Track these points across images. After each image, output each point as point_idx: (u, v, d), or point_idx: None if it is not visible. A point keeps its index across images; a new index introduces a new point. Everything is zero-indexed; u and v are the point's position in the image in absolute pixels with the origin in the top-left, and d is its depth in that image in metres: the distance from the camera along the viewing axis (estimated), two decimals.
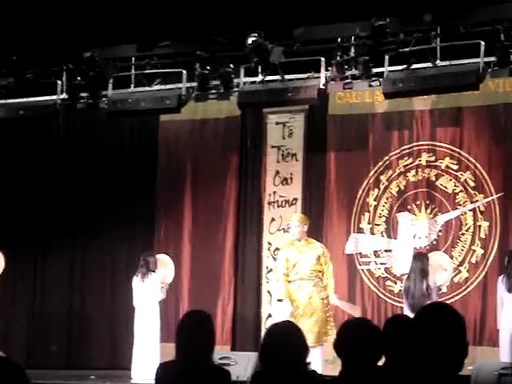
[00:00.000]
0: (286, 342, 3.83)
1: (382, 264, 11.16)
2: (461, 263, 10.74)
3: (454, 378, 2.94)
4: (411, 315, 9.10)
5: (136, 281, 10.66)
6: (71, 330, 12.47)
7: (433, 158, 11.02)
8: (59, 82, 11.55)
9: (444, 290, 10.47)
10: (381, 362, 4.06)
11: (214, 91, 11.22)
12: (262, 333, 11.49)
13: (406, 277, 10.00)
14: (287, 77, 10.80)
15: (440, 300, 9.50)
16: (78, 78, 11.37)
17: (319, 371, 7.96)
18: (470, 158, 10.83)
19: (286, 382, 3.78)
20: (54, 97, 11.61)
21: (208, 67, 11.00)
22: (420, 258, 9.90)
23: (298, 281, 9.71)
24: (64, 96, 11.56)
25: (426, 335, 2.96)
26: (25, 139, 12.78)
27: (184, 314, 4.48)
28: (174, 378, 4.19)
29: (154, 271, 10.64)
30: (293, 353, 3.81)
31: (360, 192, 11.32)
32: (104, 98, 11.48)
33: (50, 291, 12.63)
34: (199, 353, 4.16)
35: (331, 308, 9.92)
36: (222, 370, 4.30)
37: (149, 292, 10.57)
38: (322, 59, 10.55)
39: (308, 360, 3.91)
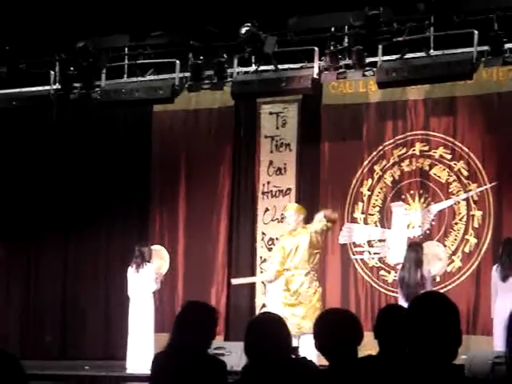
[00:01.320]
0: (267, 332, 3.83)
1: (375, 254, 11.18)
2: (454, 252, 10.76)
3: (449, 366, 2.95)
4: (405, 305, 9.10)
5: (131, 271, 10.65)
6: (65, 320, 12.47)
7: (426, 148, 11.03)
8: (52, 72, 11.51)
9: (437, 279, 10.49)
10: (374, 352, 4.06)
11: (207, 81, 11.20)
12: None
13: (400, 266, 10.01)
14: (281, 67, 10.78)
15: (434, 289, 9.51)
16: (71, 68, 11.34)
17: (314, 360, 7.95)
18: (464, 148, 10.85)
19: (275, 371, 3.78)
20: (47, 87, 11.58)
21: (201, 57, 10.98)
22: (415, 247, 9.91)
23: (293, 270, 9.69)
24: (57, 86, 11.53)
25: (420, 324, 2.96)
26: (18, 130, 12.75)
27: (188, 304, 4.41)
28: (170, 368, 4.19)
29: (148, 262, 10.64)
30: (276, 342, 3.81)
31: (354, 182, 11.33)
32: (97, 89, 11.46)
33: (43, 282, 12.62)
34: (197, 344, 4.15)
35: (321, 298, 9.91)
36: (217, 360, 4.30)
37: (143, 282, 10.57)
38: (316, 49, 10.54)
39: (295, 345, 3.91)
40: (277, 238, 11.17)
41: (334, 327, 3.81)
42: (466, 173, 10.82)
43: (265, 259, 11.49)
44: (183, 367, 4.12)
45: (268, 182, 11.76)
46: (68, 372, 10.42)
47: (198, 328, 4.15)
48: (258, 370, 3.80)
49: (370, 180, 11.28)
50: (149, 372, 9.99)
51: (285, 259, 9.69)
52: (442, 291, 9.57)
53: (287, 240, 9.82)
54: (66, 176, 12.58)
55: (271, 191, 11.74)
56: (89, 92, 11.47)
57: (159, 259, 10.91)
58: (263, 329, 3.85)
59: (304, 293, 9.61)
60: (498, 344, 9.11)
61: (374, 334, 4.08)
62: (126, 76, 11.51)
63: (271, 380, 3.76)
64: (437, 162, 10.96)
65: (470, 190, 10.77)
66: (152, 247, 10.95)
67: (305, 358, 4.06)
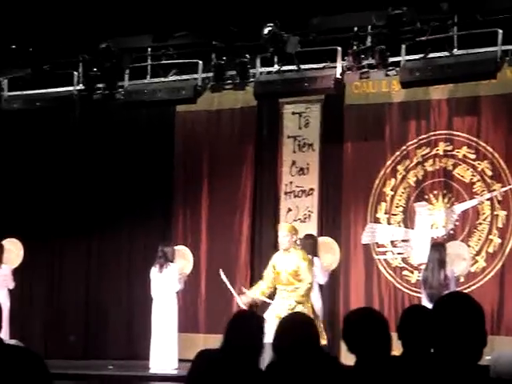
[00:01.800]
0: (299, 330, 3.84)
1: (398, 254, 11.15)
2: (478, 253, 10.71)
3: (473, 367, 2.93)
4: (429, 305, 9.07)
5: (154, 271, 10.67)
6: (89, 320, 12.52)
7: (450, 148, 10.98)
8: (75, 73, 11.57)
9: (461, 279, 10.44)
10: (398, 352, 4.05)
11: (230, 81, 11.20)
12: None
13: (423, 267, 9.98)
14: (303, 67, 10.77)
15: (458, 290, 9.47)
16: (95, 69, 11.38)
17: None
18: (488, 147, 10.79)
19: (301, 369, 3.79)
20: (70, 88, 11.64)
21: (224, 57, 10.99)
22: (438, 247, 9.87)
23: (282, 292, 9.48)
24: (80, 87, 11.59)
25: (444, 325, 2.95)
26: (41, 130, 12.82)
27: (238, 313, 4.51)
28: (216, 369, 4.21)
29: (171, 261, 10.65)
30: (304, 340, 3.82)
31: (377, 182, 11.30)
32: (120, 89, 11.50)
33: (67, 282, 12.69)
34: (246, 353, 4.20)
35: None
36: (260, 371, 4.34)
37: (166, 282, 10.58)
38: (339, 49, 10.51)
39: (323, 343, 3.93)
40: (300, 238, 11.15)
41: (361, 325, 3.81)
42: (489, 172, 10.76)
43: None
44: (229, 372, 4.16)
45: (291, 182, 11.75)
46: (91, 371, 10.47)
47: (247, 337, 4.22)
48: (284, 368, 3.81)
49: (393, 180, 11.25)
50: (172, 372, 9.99)
51: (273, 277, 9.52)
52: (465, 292, 9.52)
53: (279, 258, 9.62)
54: (88, 176, 12.64)
55: (294, 191, 11.73)
56: (112, 92, 11.50)
57: (183, 259, 10.93)
58: (293, 327, 3.87)
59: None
60: None
61: (397, 334, 4.07)
62: (148, 76, 11.54)
63: (297, 378, 3.77)
64: (460, 162, 10.91)
65: (494, 190, 10.71)
66: (176, 248, 10.96)
67: (330, 356, 4.06)
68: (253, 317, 4.50)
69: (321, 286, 10.33)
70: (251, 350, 4.26)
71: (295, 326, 3.90)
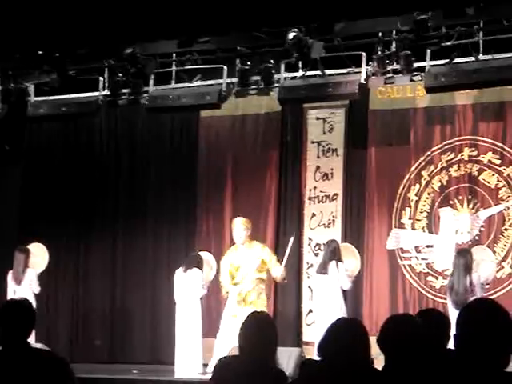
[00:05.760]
0: (352, 337, 3.81)
1: (423, 259, 11.10)
2: (504, 259, 10.64)
3: (500, 373, 2.92)
4: (455, 312, 9.04)
5: (179, 273, 10.61)
6: (114, 324, 12.55)
7: (475, 153, 10.93)
8: (101, 78, 11.63)
9: (487, 285, 10.36)
10: None
11: (254, 87, 11.21)
12: (303, 328, 11.49)
13: (448, 272, 9.94)
14: (328, 72, 10.76)
15: (484, 296, 9.42)
16: (120, 75, 11.44)
17: None
18: None
19: (344, 375, 3.76)
20: (95, 93, 11.70)
21: (248, 63, 11.00)
22: (463, 253, 9.83)
23: (241, 285, 9.79)
24: (106, 92, 11.65)
25: (471, 331, 2.94)
26: (67, 135, 12.90)
27: (251, 315, 4.46)
28: (236, 376, 4.21)
29: (196, 267, 10.59)
30: (357, 348, 3.79)
31: (401, 187, 11.27)
32: (145, 94, 11.54)
33: (92, 286, 12.73)
34: (262, 354, 4.20)
35: None
36: (281, 372, 4.33)
37: (190, 287, 10.56)
38: (363, 54, 10.50)
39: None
40: (323, 244, 11.15)
41: (409, 336, 3.80)
42: None
43: (311, 264, 11.46)
44: (249, 377, 4.15)
45: (315, 187, 11.74)
46: (116, 376, 10.48)
47: (261, 339, 4.20)
48: (323, 369, 3.79)
49: (417, 185, 11.21)
50: (197, 376, 9.98)
51: (234, 274, 9.88)
52: (491, 298, 9.46)
53: (235, 256, 10.15)
54: (113, 181, 12.69)
55: (318, 196, 11.72)
56: (137, 98, 11.55)
57: (206, 266, 10.88)
58: (349, 330, 3.85)
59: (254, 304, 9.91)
60: None
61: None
62: (173, 82, 11.58)
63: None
64: (485, 168, 10.85)
65: None
66: (200, 253, 10.92)
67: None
68: (260, 318, 4.43)
69: (344, 292, 10.32)
70: (267, 350, 4.24)
71: (346, 331, 3.86)
